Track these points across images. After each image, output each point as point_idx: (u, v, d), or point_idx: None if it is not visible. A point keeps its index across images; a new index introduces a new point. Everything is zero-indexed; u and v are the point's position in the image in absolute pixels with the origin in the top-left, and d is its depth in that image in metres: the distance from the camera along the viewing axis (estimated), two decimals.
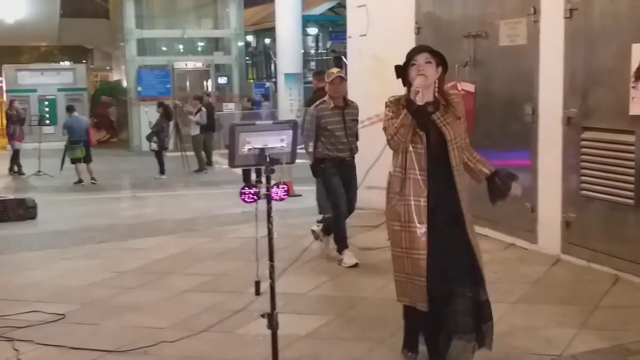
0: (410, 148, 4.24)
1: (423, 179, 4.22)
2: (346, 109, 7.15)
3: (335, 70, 7.29)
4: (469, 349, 4.28)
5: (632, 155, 5.95)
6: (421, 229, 4.21)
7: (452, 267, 4.26)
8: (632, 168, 5.96)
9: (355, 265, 6.97)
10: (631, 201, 5.97)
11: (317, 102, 7.25)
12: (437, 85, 4.30)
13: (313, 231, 7.62)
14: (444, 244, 4.24)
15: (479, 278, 4.32)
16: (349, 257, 7.05)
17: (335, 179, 7.09)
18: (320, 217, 8.28)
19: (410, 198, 4.23)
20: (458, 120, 4.30)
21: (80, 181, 15.87)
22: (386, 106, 4.36)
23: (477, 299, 4.31)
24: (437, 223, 4.23)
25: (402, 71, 4.31)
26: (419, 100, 4.09)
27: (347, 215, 7.28)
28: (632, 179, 5.96)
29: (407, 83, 4.29)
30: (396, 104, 4.30)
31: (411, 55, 4.27)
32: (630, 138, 5.95)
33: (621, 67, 5.90)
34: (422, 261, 4.21)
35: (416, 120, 4.18)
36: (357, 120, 7.38)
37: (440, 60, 4.31)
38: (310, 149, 7.11)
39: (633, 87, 5.76)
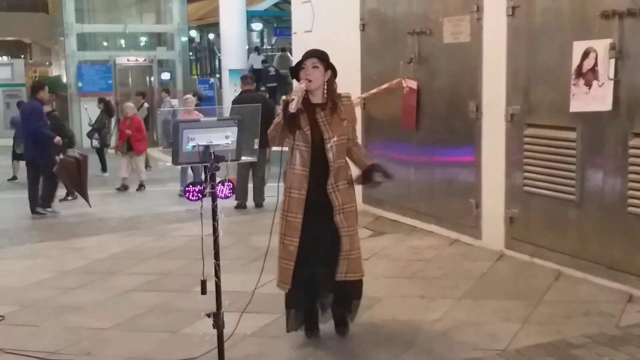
0: (298, 146, 4.73)
1: (305, 174, 4.73)
2: None
3: None
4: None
5: (573, 152, 6.04)
6: (297, 219, 4.74)
7: (323, 250, 4.80)
8: (573, 164, 6.05)
9: None
10: (573, 197, 6.07)
11: None
12: (325, 87, 4.77)
13: None
14: (317, 230, 4.77)
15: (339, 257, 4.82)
16: None
17: None
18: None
19: (292, 191, 4.76)
20: (342, 122, 4.79)
21: (14, 178, 15.66)
22: (281, 102, 4.80)
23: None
24: (312, 212, 4.75)
25: (295, 72, 4.81)
26: (292, 109, 4.56)
27: None
28: (573, 174, 6.05)
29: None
30: (286, 102, 4.70)
31: (301, 59, 4.78)
32: (572, 135, 6.04)
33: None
34: (292, 247, 4.77)
35: (298, 120, 4.66)
36: None
37: (329, 65, 4.78)
38: None
39: (574, 85, 5.85)
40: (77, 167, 11.22)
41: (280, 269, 4.87)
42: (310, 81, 4.71)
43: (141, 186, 14.20)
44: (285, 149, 4.82)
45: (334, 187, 4.76)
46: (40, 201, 11.19)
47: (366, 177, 4.94)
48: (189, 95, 14.70)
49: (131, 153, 14.24)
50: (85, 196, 11.31)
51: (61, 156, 11.15)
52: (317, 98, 4.78)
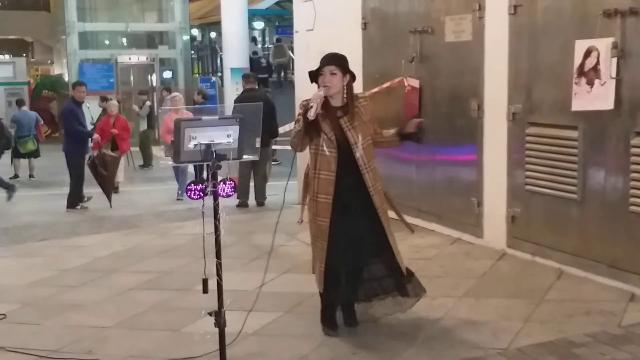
0: (322, 151, 4.80)
1: (331, 179, 4.79)
2: None
3: None
4: (389, 303, 5.15)
5: (575, 151, 6.04)
6: (325, 222, 4.81)
7: (365, 246, 4.99)
8: (575, 163, 6.04)
9: None
10: (574, 196, 6.06)
11: None
12: (345, 91, 4.85)
13: None
14: (356, 230, 4.89)
15: (392, 249, 5.03)
16: None
17: None
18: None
19: (320, 195, 4.83)
20: (365, 124, 4.88)
21: (16, 176, 15.71)
22: (300, 106, 4.85)
23: (392, 264, 5.07)
24: (348, 215, 4.84)
25: (315, 76, 4.85)
26: (311, 116, 4.61)
27: None
28: (575, 173, 6.04)
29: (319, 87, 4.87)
30: (305, 107, 4.73)
31: (320, 65, 4.83)
32: (574, 133, 6.03)
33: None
34: (324, 250, 4.85)
35: (318, 126, 4.74)
36: None
37: (347, 70, 4.85)
38: None
39: (576, 83, 5.84)
40: (106, 166, 11.40)
41: (317, 270, 5.02)
42: (329, 88, 4.78)
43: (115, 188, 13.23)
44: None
45: (374, 190, 4.87)
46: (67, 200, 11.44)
47: (406, 133, 5.08)
48: (176, 94, 14.44)
49: (117, 152, 14.01)
50: (108, 195, 11.45)
51: (102, 152, 11.34)
52: (337, 101, 4.86)
